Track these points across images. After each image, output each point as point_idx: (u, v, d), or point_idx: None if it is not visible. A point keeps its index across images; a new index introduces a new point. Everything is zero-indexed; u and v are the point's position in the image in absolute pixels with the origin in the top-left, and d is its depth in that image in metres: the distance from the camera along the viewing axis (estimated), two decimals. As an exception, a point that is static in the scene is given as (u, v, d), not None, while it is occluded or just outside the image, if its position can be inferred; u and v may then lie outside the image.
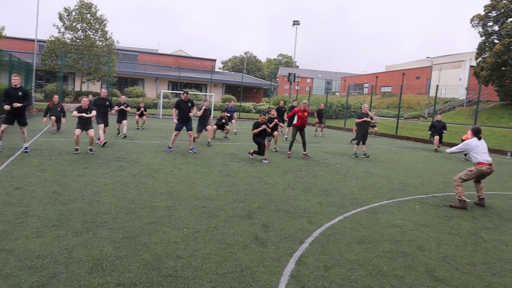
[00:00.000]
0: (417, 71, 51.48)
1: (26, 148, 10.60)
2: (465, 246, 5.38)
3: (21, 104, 10.10)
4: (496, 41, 30.23)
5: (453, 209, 7.33)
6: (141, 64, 50.42)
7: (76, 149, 11.12)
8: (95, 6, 34.12)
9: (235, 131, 20.08)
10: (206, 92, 47.91)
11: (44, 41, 34.83)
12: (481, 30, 30.84)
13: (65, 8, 33.41)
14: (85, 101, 11.31)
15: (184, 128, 12.36)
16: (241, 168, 10.23)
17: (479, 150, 7.60)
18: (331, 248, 4.98)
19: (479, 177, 7.67)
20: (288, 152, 12.83)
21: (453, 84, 40.20)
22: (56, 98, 16.01)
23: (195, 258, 4.46)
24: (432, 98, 36.38)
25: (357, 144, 13.84)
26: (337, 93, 65.78)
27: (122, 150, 12.03)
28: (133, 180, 8.10)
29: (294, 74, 39.59)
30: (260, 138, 11.77)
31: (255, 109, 39.49)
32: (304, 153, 12.94)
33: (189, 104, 12.21)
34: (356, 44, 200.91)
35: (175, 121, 12.34)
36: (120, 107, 15.86)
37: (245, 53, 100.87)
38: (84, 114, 11.24)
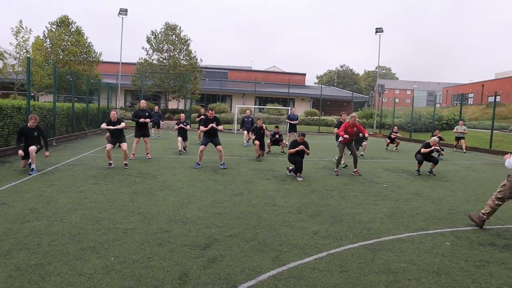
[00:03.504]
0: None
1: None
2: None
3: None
4: None
5: (503, 249, 5.38)
6: (230, 81, 51.40)
7: (110, 164, 10.90)
8: (179, 27, 35.39)
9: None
10: (294, 107, 47.10)
11: (125, 63, 36.99)
12: None
13: (152, 31, 35.12)
14: (113, 114, 11.07)
15: (212, 143, 11.59)
16: (264, 186, 9.06)
17: None
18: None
19: None
20: (336, 169, 11.28)
21: None
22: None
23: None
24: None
25: (419, 164, 11.82)
26: (438, 105, 60.43)
27: (155, 165, 11.58)
28: (127, 197, 7.50)
29: (382, 86, 36.87)
30: (297, 156, 10.43)
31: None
32: (355, 170, 11.29)
33: (214, 122, 11.42)
34: (466, 53, 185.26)
35: (202, 128, 11.65)
36: (180, 125, 15.61)
37: (341, 67, 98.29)
38: (111, 127, 11.01)
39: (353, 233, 5.76)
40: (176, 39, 35.40)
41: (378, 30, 32.76)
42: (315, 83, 77.05)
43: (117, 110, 10.75)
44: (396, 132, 19.54)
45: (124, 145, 11.06)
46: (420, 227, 6.24)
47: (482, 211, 6.31)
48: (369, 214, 6.89)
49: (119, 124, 11.08)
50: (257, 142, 13.74)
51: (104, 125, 11.13)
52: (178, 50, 35.41)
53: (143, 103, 13.11)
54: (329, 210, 7.05)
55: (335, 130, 12.63)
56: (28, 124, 9.86)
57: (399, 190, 9.25)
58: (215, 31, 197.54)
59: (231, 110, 40.18)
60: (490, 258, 4.99)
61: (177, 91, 34.70)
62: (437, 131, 17.87)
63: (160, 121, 20.90)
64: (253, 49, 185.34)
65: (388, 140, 19.56)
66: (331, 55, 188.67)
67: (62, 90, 27.91)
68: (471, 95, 56.37)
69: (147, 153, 12.71)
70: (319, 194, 8.39)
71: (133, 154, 12.69)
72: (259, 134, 14.00)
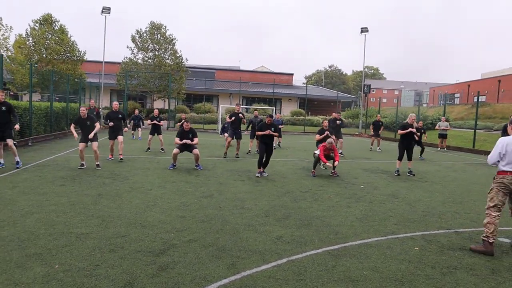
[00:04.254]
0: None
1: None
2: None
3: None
4: None
5: (472, 254, 5.17)
6: (218, 81, 51.09)
7: (82, 165, 10.56)
8: (165, 26, 35.01)
9: (279, 143, 18.59)
10: (280, 107, 46.99)
11: (108, 62, 36.56)
12: None
13: (137, 30, 34.71)
14: (82, 110, 10.68)
15: (187, 151, 11.36)
16: (236, 188, 8.79)
17: (510, 151, 5.13)
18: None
19: (506, 195, 5.24)
20: (313, 170, 11.05)
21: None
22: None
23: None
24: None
25: (399, 159, 11.60)
26: (424, 105, 60.77)
27: (129, 166, 11.27)
28: (91, 200, 7.21)
29: (369, 86, 36.82)
30: (264, 144, 10.30)
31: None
32: (333, 171, 11.07)
33: (190, 135, 11.17)
34: (452, 53, 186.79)
35: (177, 140, 11.37)
36: (153, 121, 15.41)
37: (329, 67, 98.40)
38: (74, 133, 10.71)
39: (319, 238, 5.52)
40: (162, 38, 35.01)
41: (363, 30, 32.64)
42: (303, 83, 76.86)
43: (86, 107, 10.23)
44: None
45: (94, 145, 10.70)
46: (391, 231, 6.02)
47: (484, 234, 5.23)
48: (339, 217, 6.66)
49: (91, 121, 10.70)
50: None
51: (72, 127, 10.83)
52: (163, 50, 35.01)
53: (115, 104, 12.80)
54: (298, 213, 6.81)
55: (317, 136, 12.39)
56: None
57: (375, 191, 9.05)
58: (205, 31, 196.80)
59: (217, 110, 39.89)
60: (458, 264, 4.78)
61: (162, 90, 34.32)
62: (421, 122, 17.88)
63: (141, 124, 20.65)
64: (243, 49, 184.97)
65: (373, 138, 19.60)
66: (320, 55, 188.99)
67: (46, 89, 27.42)
68: (457, 95, 56.64)
69: (120, 154, 12.29)
70: (291, 196, 8.15)
71: (111, 155, 12.36)
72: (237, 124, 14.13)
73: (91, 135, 10.48)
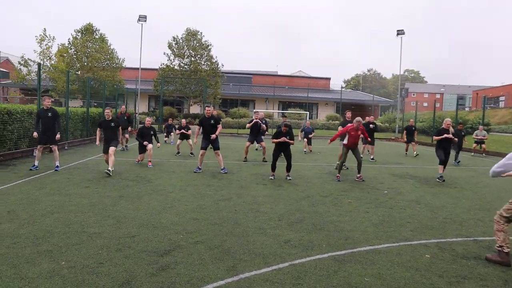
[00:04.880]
0: None
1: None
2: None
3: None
4: None
5: (487, 264, 4.93)
6: (254, 85, 51.38)
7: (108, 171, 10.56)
8: (201, 32, 35.61)
9: (305, 150, 18.47)
10: (317, 111, 46.65)
11: (146, 69, 37.48)
12: None
13: (173, 37, 35.48)
14: (107, 112, 10.86)
15: (211, 146, 11.34)
16: (256, 191, 8.80)
17: None
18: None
19: None
20: (338, 175, 10.88)
21: None
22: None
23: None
24: None
25: (440, 164, 11.17)
26: (467, 108, 58.56)
27: (156, 169, 11.53)
28: (111, 201, 7.43)
29: (406, 89, 35.92)
30: (280, 151, 10.38)
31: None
32: (358, 175, 10.87)
33: (212, 121, 11.14)
34: (498, 53, 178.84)
35: (196, 140, 11.48)
36: (181, 131, 15.99)
37: (368, 70, 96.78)
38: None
39: (328, 243, 5.43)
40: (197, 44, 35.59)
41: (400, 33, 31.90)
42: (342, 87, 76.05)
43: (110, 109, 10.20)
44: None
45: (111, 149, 10.34)
46: (405, 237, 5.84)
47: (497, 244, 4.98)
48: (354, 223, 6.52)
49: (116, 124, 10.86)
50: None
51: (98, 132, 11.06)
52: (199, 56, 35.57)
53: (148, 121, 12.76)
54: (313, 218, 6.73)
55: (340, 128, 12.30)
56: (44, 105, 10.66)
57: (398, 197, 8.80)
58: (242, 36, 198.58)
59: (252, 115, 40.11)
60: (469, 274, 4.57)
61: (199, 95, 34.84)
62: (461, 124, 17.11)
63: (173, 130, 20.81)
64: (281, 54, 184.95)
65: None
66: (360, 59, 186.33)
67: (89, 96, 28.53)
68: (502, 98, 54.22)
69: (149, 161, 12.16)
70: (310, 201, 8.06)
71: (139, 160, 12.59)
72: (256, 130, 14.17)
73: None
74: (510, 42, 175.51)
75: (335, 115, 40.42)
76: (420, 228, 6.38)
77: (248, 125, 14.45)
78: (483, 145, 19.65)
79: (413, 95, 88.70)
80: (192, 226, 6.00)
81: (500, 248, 4.94)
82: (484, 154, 20.28)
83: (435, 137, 11.32)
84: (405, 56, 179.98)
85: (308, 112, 30.16)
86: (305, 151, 18.17)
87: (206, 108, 11.43)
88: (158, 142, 12.78)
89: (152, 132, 12.54)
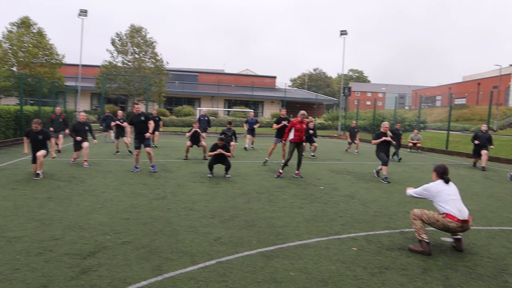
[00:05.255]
0: (495, 80, 45.83)
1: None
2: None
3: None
4: None
5: (410, 254, 5.14)
6: (201, 84, 51.00)
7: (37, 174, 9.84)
8: (145, 29, 34.82)
9: (249, 146, 18.57)
10: (262, 109, 47.01)
11: (88, 65, 36.20)
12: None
13: (116, 33, 34.44)
14: (35, 125, 9.74)
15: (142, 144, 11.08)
16: (192, 190, 8.70)
17: (444, 198, 5.22)
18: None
19: (444, 230, 5.33)
20: (280, 171, 10.95)
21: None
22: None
23: None
24: (508, 109, 31.90)
25: (384, 165, 11.23)
26: (407, 107, 61.30)
27: (91, 169, 11.10)
28: (38, 203, 7.10)
29: (349, 88, 36.99)
30: (216, 160, 10.38)
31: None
32: (297, 172, 11.02)
33: (142, 118, 10.91)
34: (437, 56, 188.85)
35: (129, 139, 11.17)
36: (116, 122, 15.71)
37: (314, 70, 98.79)
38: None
39: (258, 239, 5.45)
40: (142, 41, 34.77)
41: (343, 33, 32.81)
42: (289, 86, 77.10)
43: (38, 123, 9.32)
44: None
45: (40, 154, 9.60)
46: (335, 232, 5.97)
47: (416, 234, 5.30)
48: (287, 218, 6.60)
49: (44, 136, 9.88)
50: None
51: (26, 141, 10.01)
52: (143, 53, 34.78)
53: (82, 116, 12.23)
54: (246, 214, 6.74)
55: (274, 126, 12.69)
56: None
57: (334, 192, 9.02)
58: (192, 35, 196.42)
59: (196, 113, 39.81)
60: (391, 264, 4.74)
61: (143, 93, 34.05)
62: (398, 124, 17.61)
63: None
64: (230, 53, 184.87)
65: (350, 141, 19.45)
66: (308, 59, 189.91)
67: (23, 93, 27.01)
68: (438, 97, 57.22)
69: (85, 161, 11.67)
70: (246, 198, 8.08)
71: (74, 159, 12.09)
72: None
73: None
74: (448, 46, 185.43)
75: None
76: (351, 222, 6.56)
77: (187, 134, 14.03)
78: (418, 144, 20.65)
79: (357, 94, 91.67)
80: (121, 226, 5.83)
81: (420, 238, 5.18)
82: (419, 150, 21.28)
83: (373, 141, 11.60)
84: (351, 57, 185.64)
85: (253, 110, 30.25)
86: (245, 148, 18.27)
87: (135, 105, 11.21)
88: (94, 139, 12.29)
89: (87, 128, 12.03)
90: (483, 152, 14.39)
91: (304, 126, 10.99)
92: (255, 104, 46.09)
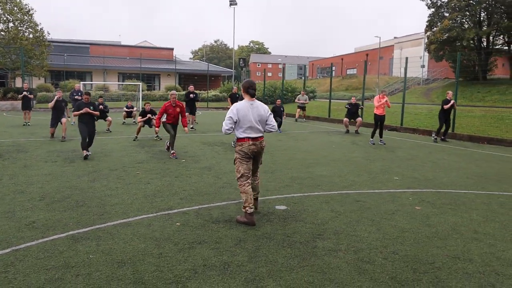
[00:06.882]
0: (381, 51, 49.11)
1: None
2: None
3: None
4: (446, 14, 27.89)
5: (236, 226, 5.13)
6: (93, 56, 48.02)
7: None
8: (17, -5, 31.50)
9: (124, 121, 18.13)
10: (159, 82, 45.69)
11: None
12: (429, 1, 28.41)
13: (-20, -1, 30.77)
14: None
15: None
16: (39, 170, 8.06)
17: (242, 117, 5.09)
18: None
19: (249, 161, 5.24)
20: (173, 152, 10.19)
21: (413, 62, 37.95)
22: None
23: None
24: (391, 78, 34.28)
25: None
26: (308, 77, 63.51)
27: None
28: None
29: (244, 59, 37.15)
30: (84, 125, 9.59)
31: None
32: (173, 152, 10.55)
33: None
34: (328, 28, 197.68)
35: None
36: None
37: (215, 41, 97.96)
38: None
39: (78, 220, 5.10)
40: (16, 8, 31.46)
41: (232, 3, 32.55)
42: (189, 58, 75.59)
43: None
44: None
45: None
46: (169, 207, 5.81)
47: (243, 205, 5.19)
48: (125, 196, 6.31)
49: None
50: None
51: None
52: (19, 21, 31.54)
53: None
54: (83, 194, 6.33)
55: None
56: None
57: (193, 165, 8.89)
58: (85, 2, 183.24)
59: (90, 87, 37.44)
60: (208, 238, 4.65)
61: (20, 67, 31.03)
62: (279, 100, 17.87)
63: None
64: (130, 24, 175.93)
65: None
66: (211, 30, 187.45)
67: None
68: (334, 68, 59.96)
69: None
70: (94, 176, 7.63)
71: None
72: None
73: None
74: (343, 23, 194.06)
75: (173, 85, 40.00)
76: (192, 195, 6.44)
77: (50, 104, 12.78)
78: (304, 111, 21.32)
79: (258, 65, 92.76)
80: None
81: (244, 209, 5.17)
82: (304, 119, 22.06)
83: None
84: (252, 29, 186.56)
85: (140, 83, 29.04)
86: (124, 122, 17.82)
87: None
88: None
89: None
90: (358, 119, 15.79)
91: (178, 110, 10.50)
92: (152, 77, 44.61)
